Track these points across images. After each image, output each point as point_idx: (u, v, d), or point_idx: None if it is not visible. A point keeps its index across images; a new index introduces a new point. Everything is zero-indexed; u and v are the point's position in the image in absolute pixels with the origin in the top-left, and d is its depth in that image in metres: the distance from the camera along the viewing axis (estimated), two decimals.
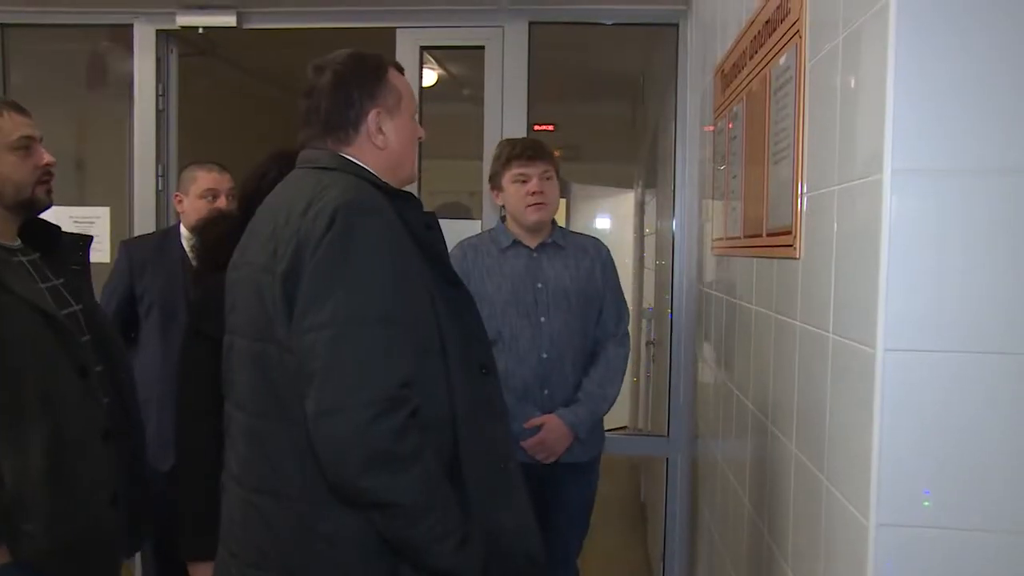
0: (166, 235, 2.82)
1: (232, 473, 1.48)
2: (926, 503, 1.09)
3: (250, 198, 1.85)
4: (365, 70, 1.51)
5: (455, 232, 2.80)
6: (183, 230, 2.75)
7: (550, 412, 2.45)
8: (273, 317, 1.35)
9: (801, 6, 1.49)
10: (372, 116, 1.49)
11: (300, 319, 1.30)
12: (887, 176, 1.09)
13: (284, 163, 1.81)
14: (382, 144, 1.50)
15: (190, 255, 2.67)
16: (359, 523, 1.33)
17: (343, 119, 1.48)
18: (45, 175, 1.74)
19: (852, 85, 1.24)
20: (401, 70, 1.58)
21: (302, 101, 1.51)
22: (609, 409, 2.55)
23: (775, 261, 1.67)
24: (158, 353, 2.65)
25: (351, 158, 1.48)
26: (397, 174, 1.54)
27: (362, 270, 1.30)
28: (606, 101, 5.99)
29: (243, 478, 1.43)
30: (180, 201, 2.78)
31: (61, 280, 1.77)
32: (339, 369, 1.26)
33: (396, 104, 1.52)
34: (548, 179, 2.52)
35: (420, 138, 1.61)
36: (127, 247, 2.79)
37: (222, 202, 2.70)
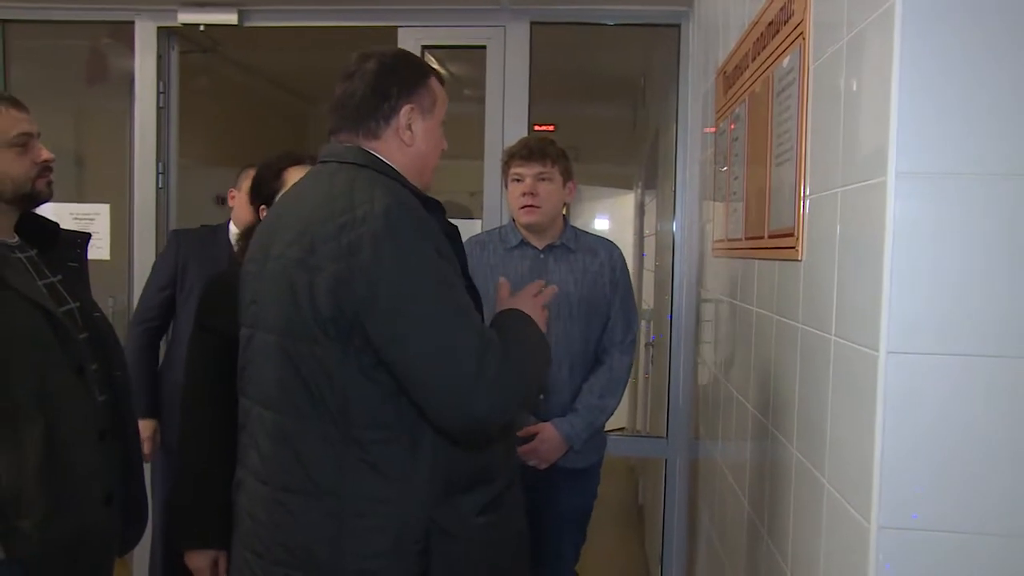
0: (215, 230, 2.92)
1: (254, 471, 1.46)
2: (935, 512, 1.09)
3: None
4: (409, 68, 1.53)
5: None
6: (232, 227, 2.84)
7: (546, 419, 2.40)
8: (308, 314, 1.35)
9: (805, 8, 1.48)
10: (404, 111, 1.50)
11: (392, 326, 1.31)
12: (891, 179, 1.08)
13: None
14: (409, 141, 1.50)
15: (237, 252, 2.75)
16: (392, 515, 1.36)
17: (376, 111, 1.49)
18: (44, 170, 1.74)
19: (856, 88, 1.23)
20: (442, 81, 1.59)
21: (339, 84, 1.51)
22: (607, 419, 2.51)
23: (777, 263, 1.67)
24: None
25: (379, 155, 1.48)
26: (418, 178, 1.54)
27: (434, 269, 1.34)
28: (607, 102, 5.99)
29: (269, 476, 1.43)
30: (233, 197, 2.87)
31: (59, 277, 1.76)
32: (459, 360, 1.31)
33: (431, 107, 1.54)
34: (544, 180, 2.43)
35: (443, 149, 1.62)
36: (177, 235, 2.92)
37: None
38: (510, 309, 1.54)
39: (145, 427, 2.77)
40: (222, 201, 3.11)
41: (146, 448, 2.78)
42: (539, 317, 1.53)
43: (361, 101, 1.49)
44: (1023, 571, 1.06)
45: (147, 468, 2.92)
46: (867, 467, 1.12)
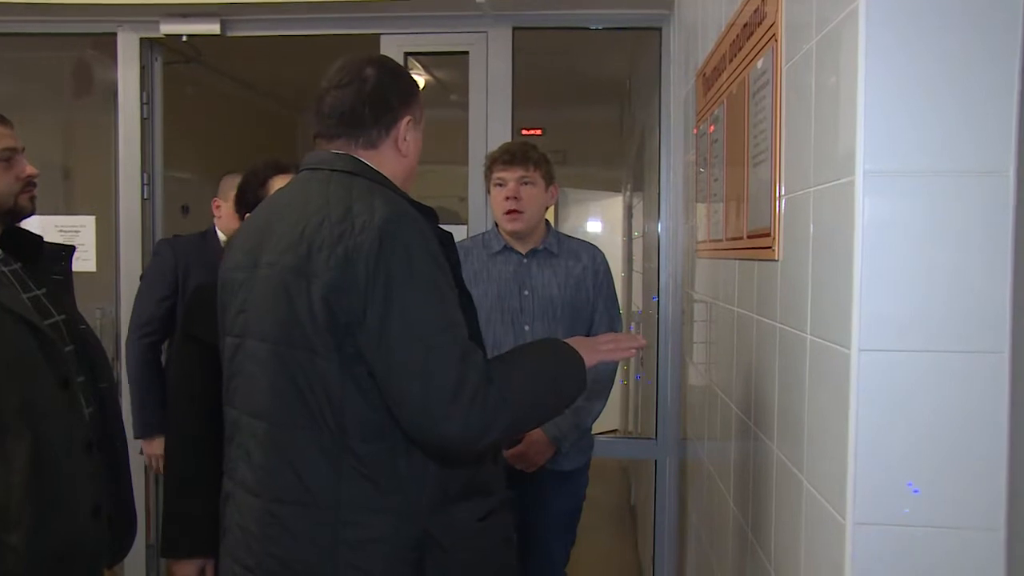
0: (204, 236, 2.93)
1: (244, 483, 1.45)
2: (907, 508, 1.10)
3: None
4: (404, 78, 1.55)
5: None
6: (219, 233, 2.87)
7: None
8: (305, 322, 1.34)
9: (777, 9, 1.50)
10: (404, 123, 1.51)
11: (377, 335, 1.31)
12: (859, 178, 1.10)
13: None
14: (405, 151, 1.52)
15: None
16: (386, 526, 1.36)
17: (378, 121, 1.49)
18: (28, 185, 1.74)
19: (825, 88, 1.25)
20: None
21: (332, 91, 1.49)
22: (594, 421, 2.51)
23: (755, 263, 1.68)
24: None
25: (372, 165, 1.48)
26: (404, 187, 1.55)
27: (428, 281, 1.33)
28: (594, 105, 6.02)
29: (261, 488, 1.42)
30: (218, 207, 2.88)
31: (43, 290, 1.76)
32: (436, 376, 1.29)
33: (420, 118, 1.56)
34: (526, 184, 2.44)
35: None
36: (171, 244, 2.91)
37: None
38: (550, 339, 1.58)
39: (158, 445, 2.74)
40: (185, 211, 3.10)
41: (162, 465, 2.76)
42: (591, 356, 1.53)
43: (362, 110, 1.48)
44: (997, 564, 1.07)
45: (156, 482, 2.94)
46: (842, 464, 1.13)
